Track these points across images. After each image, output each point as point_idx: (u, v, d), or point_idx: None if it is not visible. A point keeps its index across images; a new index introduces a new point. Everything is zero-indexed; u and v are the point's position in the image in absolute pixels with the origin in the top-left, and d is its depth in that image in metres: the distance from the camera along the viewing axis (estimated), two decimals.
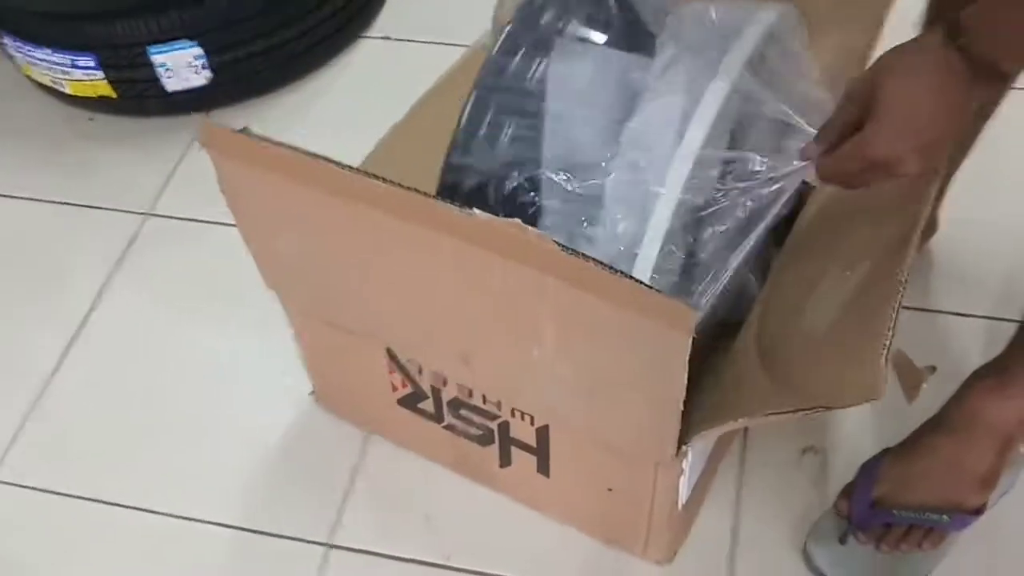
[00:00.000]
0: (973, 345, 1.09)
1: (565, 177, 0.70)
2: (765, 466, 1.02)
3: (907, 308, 1.11)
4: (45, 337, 1.18)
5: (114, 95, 1.36)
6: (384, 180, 0.69)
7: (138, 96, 1.36)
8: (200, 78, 1.34)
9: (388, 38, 1.49)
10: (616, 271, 0.62)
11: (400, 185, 0.68)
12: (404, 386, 0.94)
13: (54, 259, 1.27)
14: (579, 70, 0.71)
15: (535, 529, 0.98)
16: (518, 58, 0.74)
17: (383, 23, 1.50)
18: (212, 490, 1.03)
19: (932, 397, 1.02)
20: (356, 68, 1.45)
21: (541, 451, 0.90)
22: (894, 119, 0.69)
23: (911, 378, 1.05)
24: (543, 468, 0.92)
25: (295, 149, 0.73)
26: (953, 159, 1.06)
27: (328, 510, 1.01)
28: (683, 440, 0.75)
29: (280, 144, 0.74)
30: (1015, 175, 1.20)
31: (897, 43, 0.71)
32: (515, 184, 0.73)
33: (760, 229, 0.75)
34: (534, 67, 0.73)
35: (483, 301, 0.74)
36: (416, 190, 0.68)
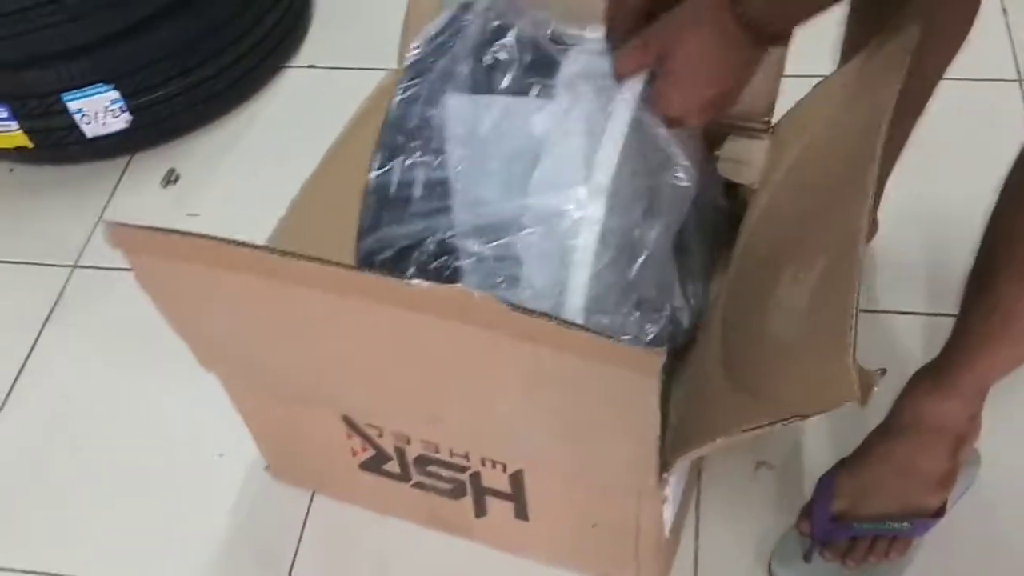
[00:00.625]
0: (920, 343, 1.08)
1: (477, 240, 0.68)
2: (721, 483, 1.00)
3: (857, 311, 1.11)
4: None
5: (31, 145, 1.31)
6: (308, 258, 0.66)
7: (57, 144, 1.32)
8: (120, 122, 1.30)
9: (313, 66, 1.46)
10: (572, 324, 0.62)
11: (327, 262, 0.66)
12: (365, 450, 0.91)
13: None
14: (478, 123, 0.68)
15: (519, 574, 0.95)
16: (418, 111, 0.71)
17: (307, 52, 1.47)
18: (153, 559, 1.00)
19: (886, 399, 1.02)
20: (281, 100, 1.42)
21: (517, 496, 0.88)
22: (679, 80, 0.78)
23: (862, 383, 1.05)
24: (521, 513, 0.90)
25: (208, 237, 0.70)
26: (885, 159, 1.05)
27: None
28: (664, 468, 0.73)
29: (191, 234, 0.70)
30: (948, 171, 1.19)
31: None
32: (429, 251, 0.71)
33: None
34: (434, 121, 0.71)
35: (442, 365, 0.72)
36: (343, 264, 0.67)
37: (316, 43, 1.48)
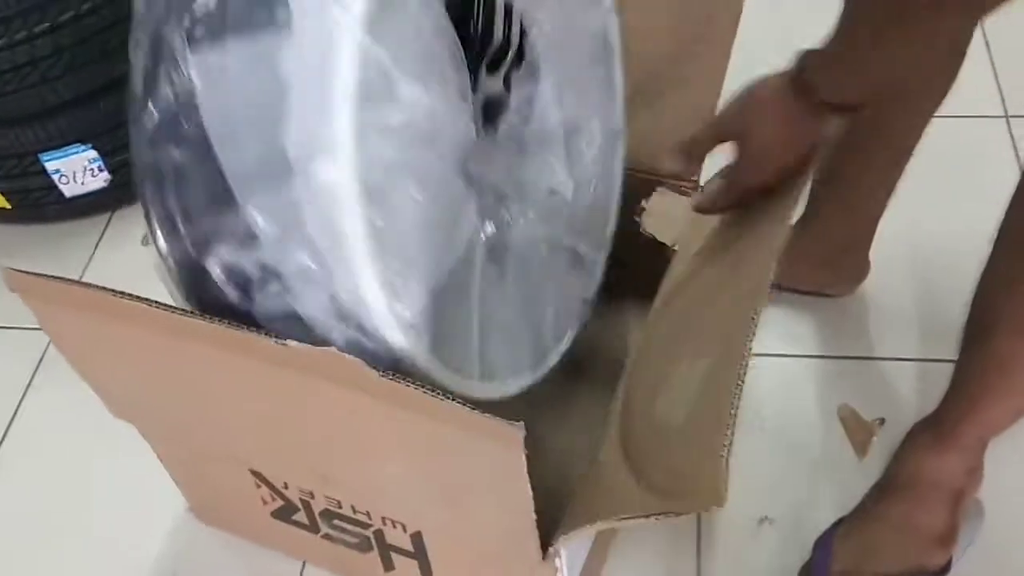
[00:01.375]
0: (914, 390, 1.07)
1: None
2: (723, 538, 0.98)
3: (850, 358, 1.09)
4: None
5: (8, 206, 1.29)
6: (186, 311, 0.68)
7: (35, 204, 1.29)
8: (99, 180, 1.28)
9: None
10: (438, 394, 0.60)
11: (203, 316, 0.67)
12: (274, 500, 0.90)
13: None
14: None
15: None
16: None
17: None
18: None
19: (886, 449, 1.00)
20: None
21: (420, 555, 0.87)
22: (757, 156, 0.81)
23: (860, 433, 1.04)
24: (426, 571, 0.89)
25: (105, 289, 0.70)
26: (878, 201, 1.04)
27: None
28: (547, 543, 0.72)
29: (91, 285, 0.71)
30: (938, 209, 1.18)
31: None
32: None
33: None
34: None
35: (326, 424, 0.72)
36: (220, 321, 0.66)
37: None
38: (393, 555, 0.89)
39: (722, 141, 0.83)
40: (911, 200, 1.04)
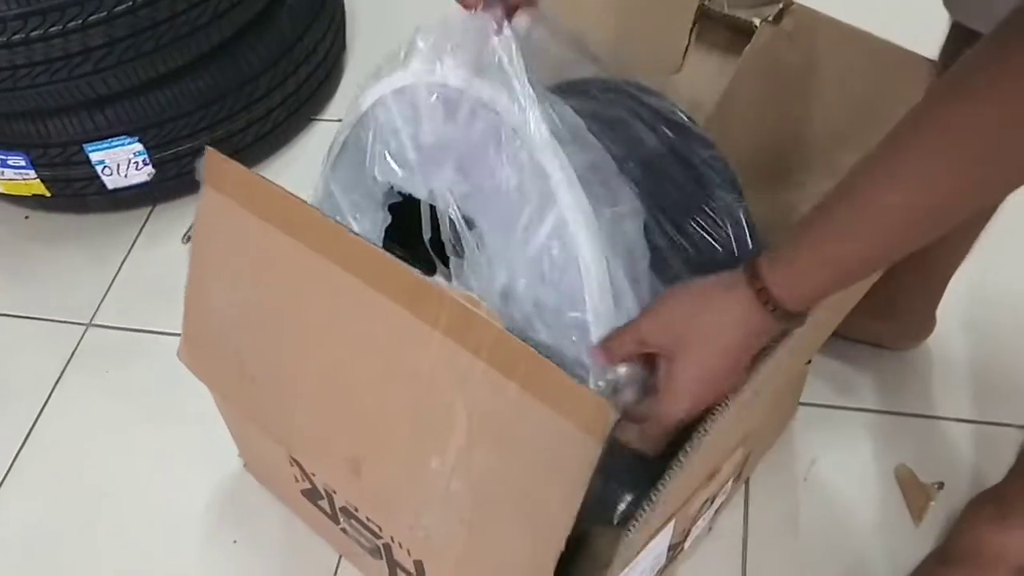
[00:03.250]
0: (976, 454, 1.02)
1: None
2: None
3: (909, 415, 1.05)
4: None
5: (48, 194, 1.26)
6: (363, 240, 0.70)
7: (76, 194, 1.27)
8: (142, 174, 1.25)
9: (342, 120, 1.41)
10: (552, 363, 0.61)
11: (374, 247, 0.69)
12: (304, 481, 0.89)
13: None
14: None
15: None
16: None
17: (337, 106, 1.41)
18: None
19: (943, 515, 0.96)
20: (309, 154, 1.36)
21: None
22: (692, 376, 0.64)
23: (917, 496, 0.99)
24: None
25: (299, 200, 0.73)
26: (956, 257, 0.99)
27: None
28: None
29: (283, 190, 0.74)
30: (1009, 273, 1.13)
31: None
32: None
33: None
34: None
35: (400, 391, 0.70)
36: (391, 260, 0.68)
37: (348, 97, 1.42)
38: (398, 571, 0.86)
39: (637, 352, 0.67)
40: (982, 256, 0.99)
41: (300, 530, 0.99)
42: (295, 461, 0.85)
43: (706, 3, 0.91)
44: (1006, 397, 1.05)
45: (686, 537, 0.88)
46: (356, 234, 0.71)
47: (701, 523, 0.90)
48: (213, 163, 0.77)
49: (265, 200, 0.74)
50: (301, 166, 1.35)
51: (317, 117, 1.40)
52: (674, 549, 0.86)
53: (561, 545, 0.65)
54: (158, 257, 1.27)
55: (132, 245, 1.28)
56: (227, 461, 1.04)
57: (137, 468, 1.07)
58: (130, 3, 1.08)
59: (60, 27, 1.07)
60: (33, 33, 1.06)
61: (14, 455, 1.09)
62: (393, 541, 0.80)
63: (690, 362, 0.64)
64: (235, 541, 1.01)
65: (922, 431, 1.04)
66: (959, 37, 0.81)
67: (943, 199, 0.53)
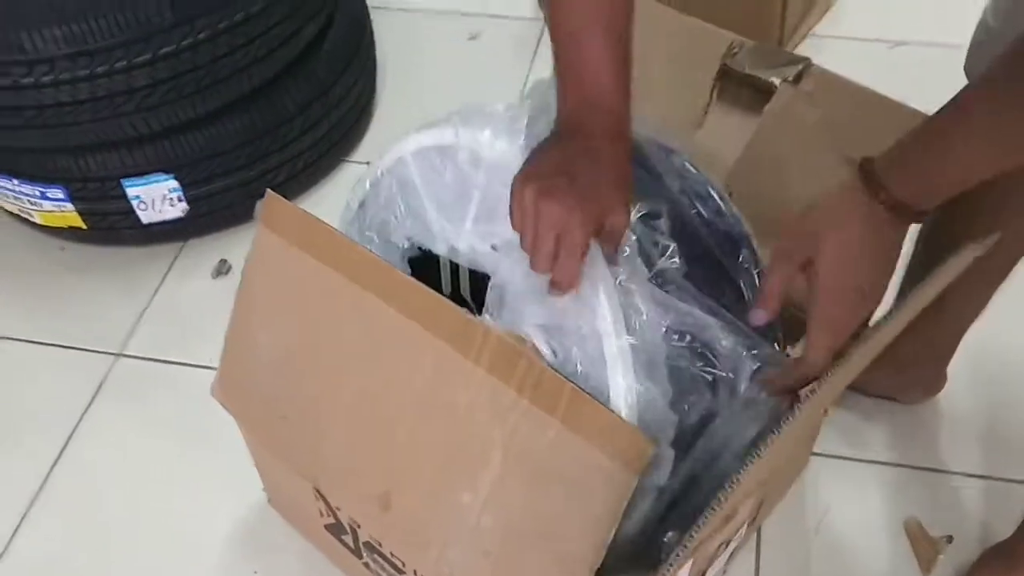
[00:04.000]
0: (985, 509, 1.04)
1: None
2: None
3: (920, 468, 1.07)
4: (2, 497, 1.10)
5: (84, 226, 1.30)
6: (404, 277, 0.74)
7: (111, 227, 1.30)
8: (176, 210, 1.29)
9: (371, 163, 1.45)
10: (593, 398, 0.64)
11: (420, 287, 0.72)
12: (328, 516, 0.91)
13: (19, 405, 1.20)
14: None
15: None
16: None
17: (366, 148, 1.46)
18: None
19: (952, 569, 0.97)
20: (338, 195, 1.38)
21: None
22: (834, 292, 0.72)
23: (926, 549, 1.01)
24: None
25: (351, 242, 0.78)
26: (970, 312, 1.02)
27: None
28: None
29: (336, 231, 0.79)
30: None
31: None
32: None
33: None
34: None
35: (438, 424, 0.73)
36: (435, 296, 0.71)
37: (376, 141, 1.47)
38: None
39: (792, 271, 0.74)
40: (994, 315, 1.02)
41: (320, 564, 1.01)
42: (320, 496, 0.87)
43: (727, 63, 0.95)
44: (1016, 453, 1.07)
45: None
46: (402, 273, 0.74)
47: (717, 565, 0.92)
48: (271, 205, 0.81)
49: (319, 241, 0.78)
50: (330, 205, 1.35)
51: (347, 159, 1.44)
52: None
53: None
54: (188, 291, 1.30)
55: (163, 279, 1.32)
56: (250, 494, 1.06)
57: (160, 499, 1.09)
58: (173, 47, 1.13)
59: (106, 67, 1.11)
60: (81, 72, 1.11)
61: (42, 481, 1.11)
62: (416, 575, 0.82)
63: (833, 261, 0.71)
64: (255, 572, 1.03)
65: (932, 485, 1.06)
66: None
67: None
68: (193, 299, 1.29)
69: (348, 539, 0.90)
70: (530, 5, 1.66)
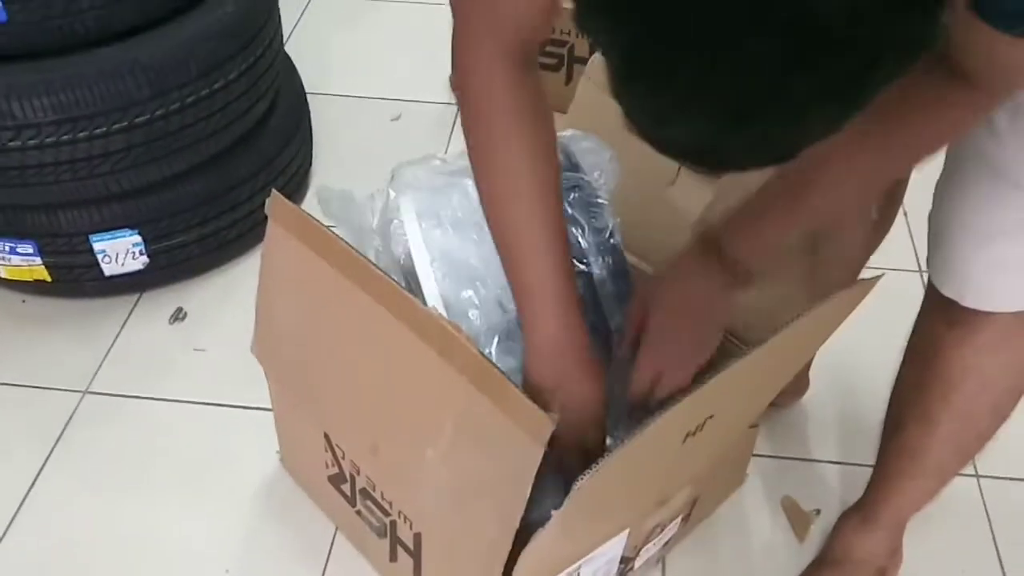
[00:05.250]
0: (844, 488, 1.26)
1: None
2: None
3: (791, 458, 1.28)
4: None
5: (49, 279, 1.42)
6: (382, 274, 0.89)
7: (75, 280, 1.43)
8: (137, 263, 1.43)
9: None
10: (513, 383, 0.79)
11: (390, 279, 0.88)
12: (333, 466, 1.09)
13: None
14: None
15: None
16: None
17: (308, 204, 1.62)
18: None
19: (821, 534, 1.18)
20: None
21: (416, 556, 1.03)
22: (666, 330, 0.90)
23: (800, 521, 1.22)
24: (417, 572, 1.04)
25: (337, 237, 0.93)
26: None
27: None
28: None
29: (329, 229, 0.93)
30: (863, 343, 1.39)
31: None
32: None
33: None
34: None
35: (406, 394, 0.91)
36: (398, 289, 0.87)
37: (312, 204, 1.60)
38: (399, 548, 1.05)
39: (641, 314, 0.92)
40: (845, 330, 1.25)
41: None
42: (329, 445, 1.04)
43: None
44: (864, 442, 1.29)
45: (636, 555, 1.07)
46: (381, 271, 0.90)
47: (652, 548, 1.09)
48: (277, 204, 0.98)
49: (316, 238, 0.94)
50: None
51: None
52: (626, 563, 1.05)
53: (514, 525, 0.83)
54: (149, 336, 1.43)
55: (122, 326, 1.45)
56: (219, 508, 1.20)
57: (134, 512, 1.21)
58: (148, 116, 1.29)
59: (87, 132, 1.27)
60: (64, 137, 1.26)
61: (14, 512, 1.21)
62: (400, 516, 0.99)
63: (664, 309, 0.89)
64: (227, 571, 1.16)
65: (801, 471, 1.28)
66: None
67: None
68: (152, 342, 1.42)
69: (346, 487, 1.07)
70: (445, 91, 1.90)
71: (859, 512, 1.11)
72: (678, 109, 0.52)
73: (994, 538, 1.20)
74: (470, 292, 0.95)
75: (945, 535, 1.19)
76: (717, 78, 0.49)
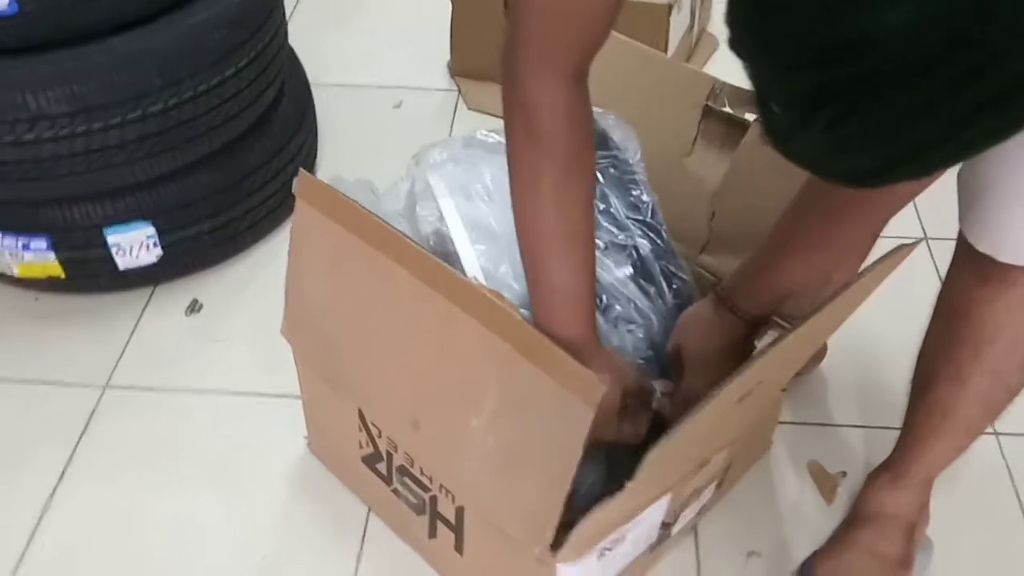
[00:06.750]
0: (868, 451, 1.28)
1: None
2: (717, 570, 1.15)
3: (813, 424, 1.30)
4: (10, 520, 1.19)
5: (63, 275, 1.42)
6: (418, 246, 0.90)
7: (89, 275, 1.42)
8: (151, 256, 1.42)
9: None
10: (553, 345, 0.80)
11: (423, 250, 0.89)
12: (368, 445, 1.09)
13: (12, 440, 1.29)
14: None
15: None
16: None
17: None
18: None
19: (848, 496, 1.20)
20: None
21: (458, 530, 1.04)
22: (696, 362, 1.00)
23: (827, 483, 1.24)
24: (459, 547, 1.05)
25: (369, 212, 0.93)
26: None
27: None
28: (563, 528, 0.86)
29: (361, 206, 0.94)
30: (885, 310, 1.41)
31: None
32: None
33: None
34: None
35: (447, 366, 0.92)
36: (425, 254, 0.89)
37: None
38: (439, 524, 1.05)
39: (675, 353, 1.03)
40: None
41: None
42: (363, 422, 1.04)
43: (710, 104, 1.19)
44: (883, 405, 1.32)
45: (675, 520, 1.08)
46: (414, 242, 0.91)
47: (689, 513, 1.11)
48: (305, 183, 0.99)
49: (348, 214, 0.94)
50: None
51: None
52: (665, 528, 1.07)
53: (565, 492, 0.84)
54: (165, 328, 1.43)
55: (139, 318, 1.44)
56: (250, 495, 1.21)
57: (164, 512, 1.21)
58: (162, 105, 1.29)
59: (102, 123, 1.26)
60: (80, 128, 1.25)
61: (41, 510, 1.20)
62: (441, 491, 0.99)
63: (691, 343, 0.97)
64: (263, 557, 1.16)
65: (824, 435, 1.30)
66: None
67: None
68: (170, 335, 1.42)
69: (382, 466, 1.07)
70: (445, 78, 1.90)
71: (888, 470, 1.13)
72: (858, 149, 0.54)
73: (1016, 493, 1.23)
74: (506, 267, 0.96)
75: (968, 491, 1.22)
76: (910, 121, 0.50)
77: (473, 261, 0.98)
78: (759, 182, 1.18)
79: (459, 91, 1.87)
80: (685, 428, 0.79)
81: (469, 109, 1.83)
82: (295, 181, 1.01)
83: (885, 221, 1.00)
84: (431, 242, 1.00)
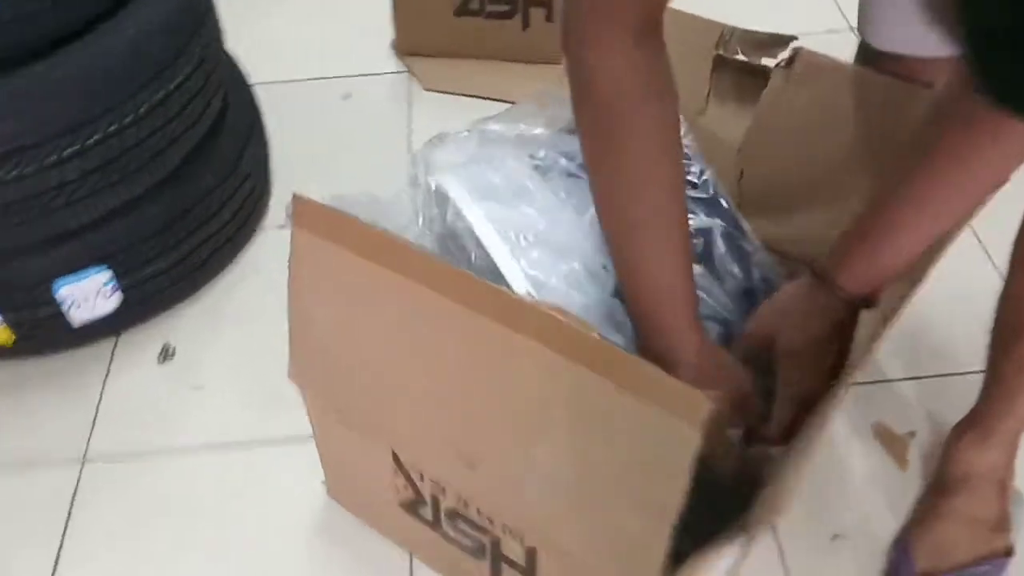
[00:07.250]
0: (927, 403, 1.20)
1: None
2: (804, 558, 1.06)
3: (867, 383, 1.22)
4: None
5: (11, 341, 1.24)
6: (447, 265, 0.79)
7: (39, 337, 1.25)
8: (111, 303, 1.25)
9: (284, 226, 1.46)
10: (640, 360, 0.70)
11: (446, 265, 0.78)
12: (407, 490, 0.96)
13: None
14: None
15: None
16: None
17: (275, 211, 1.47)
18: None
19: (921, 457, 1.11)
20: (259, 261, 1.41)
21: (529, 572, 0.92)
22: (798, 356, 0.88)
23: (897, 448, 1.15)
24: None
25: (384, 231, 0.81)
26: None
27: None
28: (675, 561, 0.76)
29: (370, 225, 0.81)
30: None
31: None
32: None
33: None
34: None
35: (500, 394, 0.79)
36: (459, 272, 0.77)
37: (281, 203, 1.46)
38: (504, 566, 0.93)
39: (757, 350, 0.91)
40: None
41: None
42: (399, 467, 0.91)
43: (721, 53, 1.06)
44: (935, 352, 1.24)
45: None
46: (444, 262, 0.80)
47: None
48: (301, 206, 0.85)
49: (357, 237, 0.82)
50: (253, 275, 1.39)
51: (260, 225, 1.45)
52: None
53: (673, 521, 0.73)
54: (138, 381, 1.26)
55: (106, 375, 1.27)
56: (272, 553, 1.07)
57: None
58: (101, 135, 1.12)
59: (36, 165, 1.09)
60: (10, 175, 1.08)
61: None
62: (504, 531, 0.87)
63: (787, 332, 0.85)
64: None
65: (880, 394, 1.21)
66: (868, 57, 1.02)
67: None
68: (143, 390, 1.25)
69: (426, 511, 0.94)
70: (391, 60, 1.75)
71: (974, 428, 1.04)
72: None
73: None
74: (561, 274, 0.84)
75: None
76: None
77: (518, 273, 0.85)
78: (785, 137, 1.07)
79: (409, 72, 1.72)
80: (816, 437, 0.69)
81: (425, 90, 1.68)
82: (288, 206, 0.87)
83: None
84: (473, 257, 0.87)
